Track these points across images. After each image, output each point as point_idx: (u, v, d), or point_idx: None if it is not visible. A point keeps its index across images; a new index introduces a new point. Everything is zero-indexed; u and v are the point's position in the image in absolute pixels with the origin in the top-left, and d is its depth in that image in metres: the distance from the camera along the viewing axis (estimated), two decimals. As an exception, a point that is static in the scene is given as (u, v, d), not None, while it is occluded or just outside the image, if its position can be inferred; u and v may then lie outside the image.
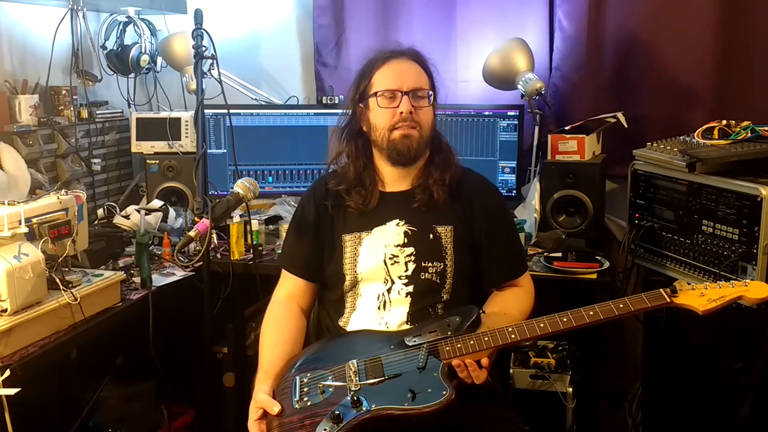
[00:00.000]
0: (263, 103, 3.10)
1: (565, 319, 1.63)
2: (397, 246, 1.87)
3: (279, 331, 1.90)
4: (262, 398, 1.72)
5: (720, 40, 2.64)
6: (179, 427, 2.79)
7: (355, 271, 1.88)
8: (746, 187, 2.03)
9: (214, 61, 2.50)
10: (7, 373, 1.69)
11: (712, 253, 2.16)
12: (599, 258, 2.41)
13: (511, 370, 2.39)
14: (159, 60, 3.26)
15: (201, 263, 2.22)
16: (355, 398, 1.61)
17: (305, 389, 1.69)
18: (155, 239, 2.61)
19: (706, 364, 2.26)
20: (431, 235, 1.88)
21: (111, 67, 3.17)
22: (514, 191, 2.78)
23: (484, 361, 1.64)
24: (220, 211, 2.00)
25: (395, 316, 1.84)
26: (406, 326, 1.83)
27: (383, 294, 1.86)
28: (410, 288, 1.85)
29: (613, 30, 2.79)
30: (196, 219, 2.12)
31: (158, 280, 2.36)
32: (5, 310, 1.81)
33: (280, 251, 2.30)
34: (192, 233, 1.95)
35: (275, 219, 2.81)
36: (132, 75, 3.27)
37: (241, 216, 2.58)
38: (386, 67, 1.89)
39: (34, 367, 1.83)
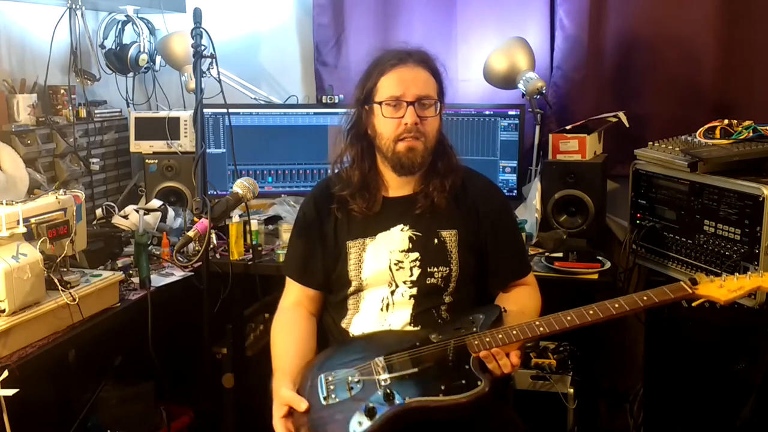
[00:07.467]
0: (263, 102, 3.09)
1: (591, 312, 1.60)
2: (402, 251, 1.85)
3: (290, 332, 1.87)
4: (286, 395, 1.65)
5: (722, 39, 2.64)
6: (178, 427, 2.78)
7: (360, 278, 1.86)
8: (748, 187, 2.03)
9: (213, 60, 2.48)
10: (6, 373, 1.68)
11: (714, 253, 2.15)
12: (600, 258, 2.41)
13: (512, 371, 2.38)
14: (158, 59, 3.25)
15: (200, 263, 2.21)
16: (387, 391, 1.56)
17: (332, 387, 1.64)
18: (154, 239, 2.60)
19: (708, 364, 2.25)
20: (436, 240, 1.86)
21: (110, 66, 3.16)
22: (515, 191, 2.77)
23: (514, 354, 1.62)
24: (219, 211, 1.99)
25: (398, 318, 1.82)
26: (410, 327, 1.81)
27: (387, 297, 1.84)
28: (414, 290, 1.83)
29: (614, 29, 2.78)
30: (195, 219, 2.10)
31: (157, 280, 2.35)
32: (3, 311, 1.80)
33: (283, 258, 2.28)
34: (191, 233, 1.93)
35: (275, 219, 2.80)
36: (131, 74, 3.26)
37: (240, 216, 2.57)
38: (392, 74, 1.82)
39: (32, 368, 1.82)
